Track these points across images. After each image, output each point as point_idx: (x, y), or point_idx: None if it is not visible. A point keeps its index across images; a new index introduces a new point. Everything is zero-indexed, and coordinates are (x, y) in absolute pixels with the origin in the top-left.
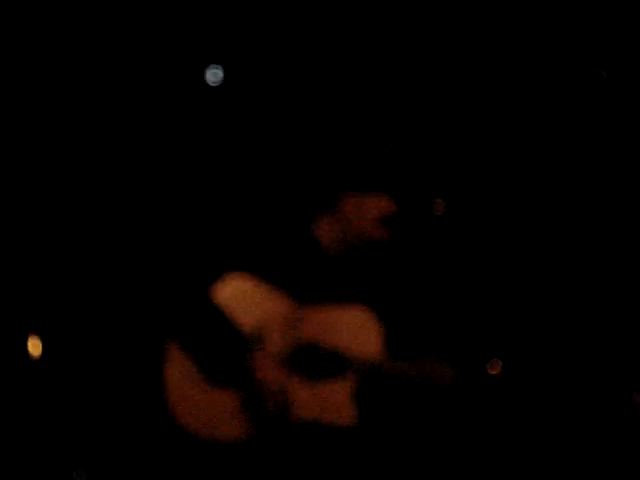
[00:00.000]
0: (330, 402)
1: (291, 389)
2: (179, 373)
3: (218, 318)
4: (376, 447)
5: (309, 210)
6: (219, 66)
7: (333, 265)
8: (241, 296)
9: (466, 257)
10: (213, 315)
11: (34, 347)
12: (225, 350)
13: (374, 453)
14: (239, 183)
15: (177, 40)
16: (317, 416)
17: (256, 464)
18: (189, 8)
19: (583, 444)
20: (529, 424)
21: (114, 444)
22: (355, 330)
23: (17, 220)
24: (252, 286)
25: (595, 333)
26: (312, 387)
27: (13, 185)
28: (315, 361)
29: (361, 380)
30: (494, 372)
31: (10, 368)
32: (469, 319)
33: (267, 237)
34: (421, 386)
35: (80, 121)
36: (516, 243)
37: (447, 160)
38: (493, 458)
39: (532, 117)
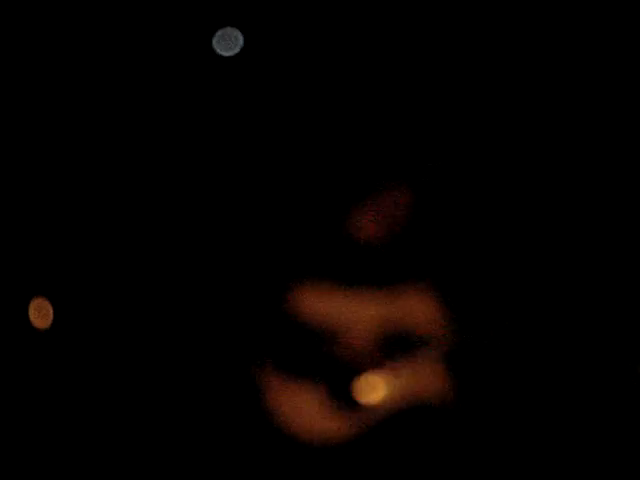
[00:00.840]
0: (421, 380)
1: (378, 377)
2: (273, 383)
3: (299, 326)
4: (474, 423)
5: (347, 206)
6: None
7: (382, 255)
8: (317, 301)
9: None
10: (293, 325)
11: (40, 314)
12: (309, 352)
13: (472, 429)
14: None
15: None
16: (411, 397)
17: (353, 459)
18: None
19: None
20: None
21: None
22: (423, 310)
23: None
24: (323, 290)
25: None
26: (399, 370)
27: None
28: (396, 346)
29: (443, 356)
30: None
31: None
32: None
33: (313, 241)
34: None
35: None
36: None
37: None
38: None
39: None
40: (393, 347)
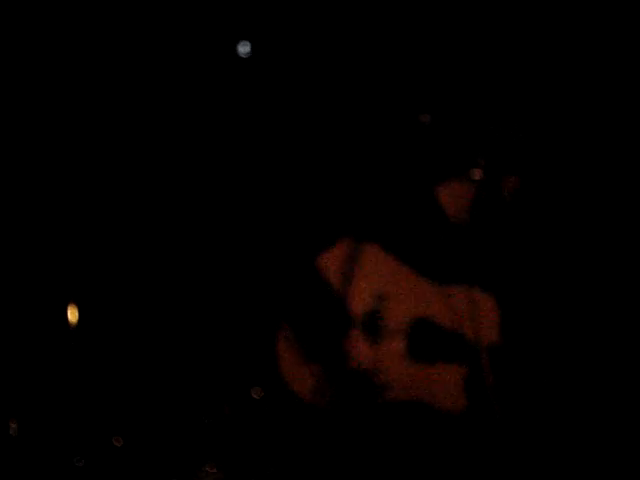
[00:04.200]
0: (441, 386)
1: (400, 368)
2: (287, 347)
3: (324, 292)
4: (478, 436)
5: (435, 176)
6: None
7: (457, 238)
8: (356, 265)
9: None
10: (319, 289)
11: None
12: (325, 325)
13: (475, 441)
14: (357, 147)
15: None
16: (424, 398)
17: (348, 434)
18: None
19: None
20: None
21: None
22: (478, 315)
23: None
24: (370, 254)
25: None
26: (426, 368)
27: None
28: (432, 341)
29: (474, 368)
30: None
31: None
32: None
33: (388, 203)
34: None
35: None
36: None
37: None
38: None
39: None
40: (428, 339)
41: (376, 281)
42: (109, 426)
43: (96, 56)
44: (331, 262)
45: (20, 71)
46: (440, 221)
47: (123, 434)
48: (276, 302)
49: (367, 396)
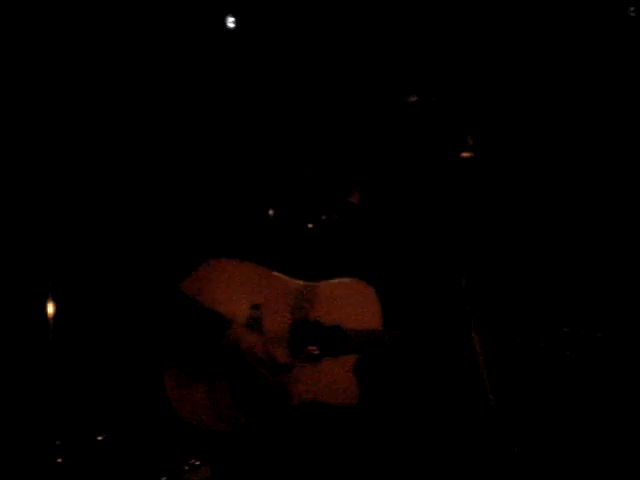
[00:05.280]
0: (332, 381)
1: (290, 372)
2: (174, 380)
3: (194, 312)
4: (377, 424)
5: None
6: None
7: (322, 234)
8: (224, 282)
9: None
10: (191, 313)
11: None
12: (212, 345)
13: (375, 430)
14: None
15: None
16: (319, 397)
17: (260, 448)
18: None
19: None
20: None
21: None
22: (353, 304)
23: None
24: (234, 270)
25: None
26: (313, 367)
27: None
28: (314, 339)
29: (361, 356)
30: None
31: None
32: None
33: (247, 215)
34: (419, 359)
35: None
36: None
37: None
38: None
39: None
40: (311, 339)
41: (247, 292)
42: (92, 423)
43: (90, 54)
44: (197, 284)
45: (20, 71)
46: (302, 218)
47: (106, 431)
48: (154, 334)
49: (266, 406)
